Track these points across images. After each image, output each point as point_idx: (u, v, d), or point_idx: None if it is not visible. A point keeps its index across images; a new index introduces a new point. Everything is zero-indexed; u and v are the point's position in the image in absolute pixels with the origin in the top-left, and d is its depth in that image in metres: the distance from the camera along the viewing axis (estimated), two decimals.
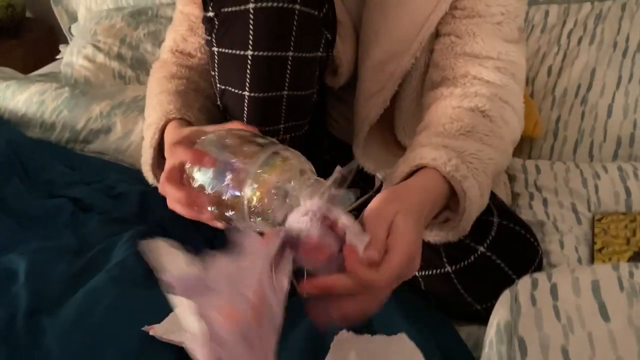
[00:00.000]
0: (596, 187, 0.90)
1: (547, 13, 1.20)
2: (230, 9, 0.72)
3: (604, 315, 0.53)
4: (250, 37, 0.71)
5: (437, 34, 0.79)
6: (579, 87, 1.11)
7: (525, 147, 1.12)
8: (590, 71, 1.11)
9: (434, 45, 0.80)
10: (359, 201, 0.92)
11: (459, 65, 0.75)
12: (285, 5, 0.70)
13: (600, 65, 1.11)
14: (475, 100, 0.71)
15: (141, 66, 1.29)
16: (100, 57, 1.31)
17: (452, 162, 0.62)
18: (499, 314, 0.58)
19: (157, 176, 0.80)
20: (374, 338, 0.61)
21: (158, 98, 0.81)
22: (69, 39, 1.68)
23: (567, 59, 1.14)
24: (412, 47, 0.78)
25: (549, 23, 1.19)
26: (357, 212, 0.91)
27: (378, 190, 0.91)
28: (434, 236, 0.67)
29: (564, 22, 1.18)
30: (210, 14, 0.75)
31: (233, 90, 0.75)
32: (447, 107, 0.72)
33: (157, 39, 1.31)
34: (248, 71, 0.72)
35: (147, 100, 0.87)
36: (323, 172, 1.10)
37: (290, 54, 0.72)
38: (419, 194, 0.59)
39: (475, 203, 0.62)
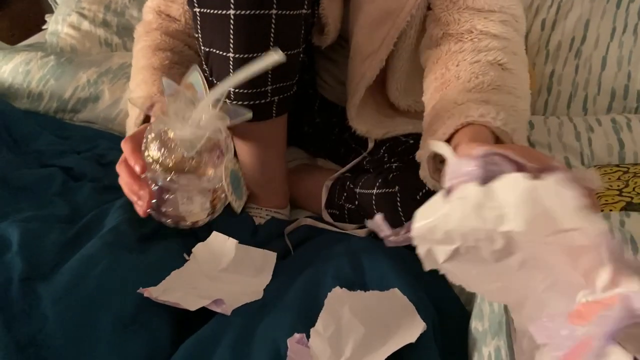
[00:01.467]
0: (589, 140, 0.89)
1: None
2: None
3: None
4: None
5: None
6: (572, 39, 1.09)
7: None
8: (584, 23, 1.09)
9: (434, 0, 0.78)
10: (354, 162, 0.92)
11: (464, 20, 0.73)
12: None
13: (594, 16, 1.09)
14: (492, 54, 0.69)
15: (127, 33, 1.27)
16: (86, 25, 1.29)
17: (501, 116, 0.60)
18: None
19: None
20: (366, 294, 0.62)
21: (143, 74, 0.81)
22: (54, 7, 1.64)
23: (561, 11, 1.12)
24: (407, 3, 0.77)
25: None
26: (350, 173, 0.91)
27: (371, 152, 0.91)
28: None
29: None
30: None
31: (217, 52, 0.74)
32: (464, 62, 0.70)
33: (142, 4, 1.28)
34: (231, 31, 0.71)
35: (132, 70, 0.86)
36: (316, 135, 1.10)
37: (274, 11, 0.71)
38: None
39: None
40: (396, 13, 0.77)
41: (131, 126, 0.79)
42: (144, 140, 0.67)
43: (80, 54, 1.24)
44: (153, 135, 0.65)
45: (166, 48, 0.84)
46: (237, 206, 0.73)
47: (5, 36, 1.59)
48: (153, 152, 0.65)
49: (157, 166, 0.65)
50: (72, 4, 1.33)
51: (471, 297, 0.67)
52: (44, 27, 1.65)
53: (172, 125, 0.64)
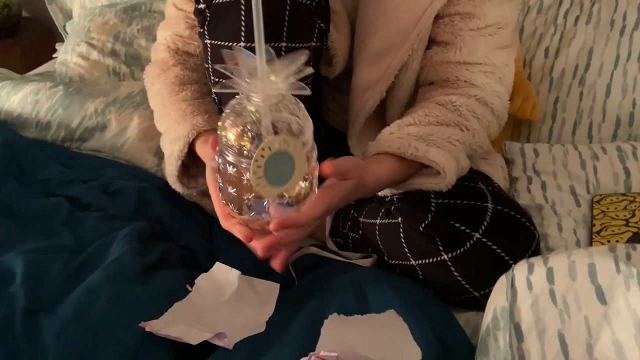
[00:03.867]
0: (595, 169, 0.89)
1: None
2: (221, 0, 0.71)
3: (601, 298, 0.53)
4: (242, 28, 0.70)
5: (431, 40, 0.80)
6: (576, 67, 1.10)
7: (523, 130, 1.12)
8: (588, 51, 1.10)
9: (426, 51, 0.81)
10: None
11: (449, 72, 0.78)
12: None
13: (598, 44, 1.09)
14: (454, 97, 0.76)
15: (135, 62, 1.28)
16: (95, 54, 1.31)
17: (412, 145, 0.70)
18: (495, 300, 0.58)
19: (184, 184, 0.82)
20: (363, 317, 0.62)
21: (177, 107, 0.80)
22: (64, 37, 1.68)
23: (564, 39, 1.13)
24: (409, 39, 0.78)
25: (545, 4, 1.17)
26: (354, 201, 0.91)
27: None
28: (427, 186, 0.73)
29: (560, 2, 1.16)
30: (202, 5, 0.74)
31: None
32: (429, 100, 0.78)
33: (150, 34, 1.30)
34: None
35: (158, 109, 0.86)
36: (321, 162, 1.10)
37: (283, 44, 0.72)
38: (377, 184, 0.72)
39: (447, 160, 0.71)
40: (398, 47, 0.79)
41: (173, 161, 0.78)
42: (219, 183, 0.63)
43: (89, 83, 1.25)
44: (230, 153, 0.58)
45: (192, 81, 0.84)
46: (265, 192, 0.59)
47: (16, 65, 1.62)
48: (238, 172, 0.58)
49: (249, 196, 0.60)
50: (81, 34, 1.35)
51: (477, 329, 0.67)
52: (54, 55, 1.68)
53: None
